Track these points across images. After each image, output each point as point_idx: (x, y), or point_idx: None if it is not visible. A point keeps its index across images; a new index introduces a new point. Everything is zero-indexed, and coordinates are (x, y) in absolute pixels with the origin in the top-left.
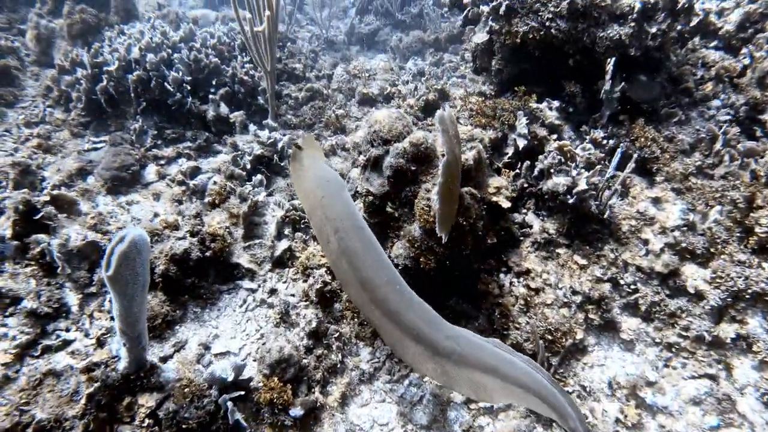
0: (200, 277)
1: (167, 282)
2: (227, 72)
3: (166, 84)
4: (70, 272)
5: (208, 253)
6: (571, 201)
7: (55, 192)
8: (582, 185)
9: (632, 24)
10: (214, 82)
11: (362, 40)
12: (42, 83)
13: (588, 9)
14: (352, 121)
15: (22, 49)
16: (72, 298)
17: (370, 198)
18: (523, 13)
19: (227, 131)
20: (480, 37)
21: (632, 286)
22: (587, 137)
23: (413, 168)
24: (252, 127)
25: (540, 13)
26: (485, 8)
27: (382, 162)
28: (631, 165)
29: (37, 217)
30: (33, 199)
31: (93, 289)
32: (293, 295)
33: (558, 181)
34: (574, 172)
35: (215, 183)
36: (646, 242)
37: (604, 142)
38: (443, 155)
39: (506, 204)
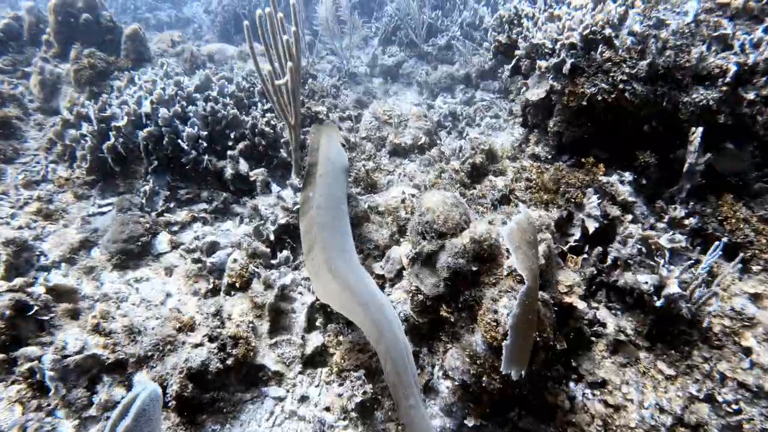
0: (220, 389)
1: (182, 402)
2: (246, 123)
3: (180, 141)
4: (65, 393)
5: (229, 361)
6: (658, 304)
7: (51, 283)
8: (673, 288)
9: (723, 88)
10: (232, 135)
11: (386, 72)
12: (45, 135)
13: (670, 70)
14: (384, 175)
15: (26, 93)
16: (66, 427)
17: (420, 297)
18: (591, 72)
19: (247, 191)
20: (535, 93)
21: (733, 406)
22: (666, 216)
23: (474, 269)
24: (275, 188)
25: (612, 74)
26: (543, 63)
27: (435, 258)
28: (717, 252)
29: (31, 313)
30: (23, 296)
31: (93, 412)
32: (328, 409)
33: (641, 279)
34: (663, 271)
35: (235, 261)
36: (747, 351)
37: (686, 221)
38: (512, 253)
39: (581, 306)
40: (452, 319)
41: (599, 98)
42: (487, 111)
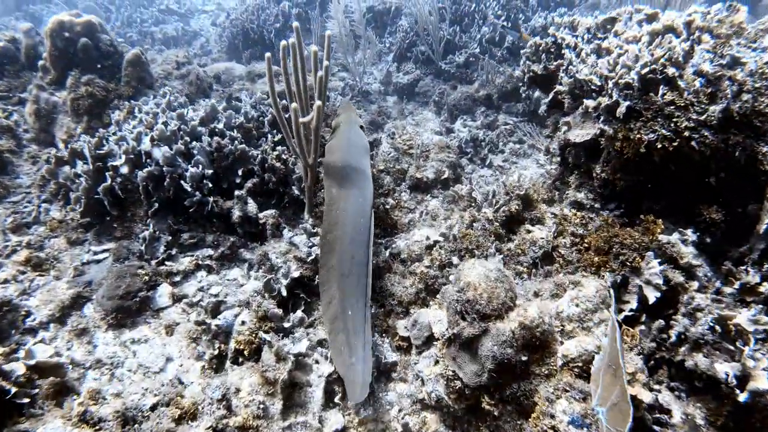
0: None
1: None
2: (255, 158)
3: (182, 182)
4: None
5: None
6: (742, 399)
7: (33, 360)
8: (762, 383)
9: None
10: (240, 172)
11: (401, 90)
12: (38, 171)
13: (747, 117)
14: (404, 213)
15: (21, 122)
16: None
17: (458, 384)
18: (649, 116)
19: (256, 234)
20: (579, 134)
21: None
22: (735, 281)
23: (524, 359)
24: (287, 233)
25: (675, 120)
26: (590, 103)
27: (477, 343)
28: None
29: (9, 396)
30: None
31: None
32: None
33: (720, 369)
34: (748, 362)
35: (243, 324)
36: None
37: (761, 288)
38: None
39: (647, 397)
40: (496, 413)
41: (659, 146)
42: (511, 135)
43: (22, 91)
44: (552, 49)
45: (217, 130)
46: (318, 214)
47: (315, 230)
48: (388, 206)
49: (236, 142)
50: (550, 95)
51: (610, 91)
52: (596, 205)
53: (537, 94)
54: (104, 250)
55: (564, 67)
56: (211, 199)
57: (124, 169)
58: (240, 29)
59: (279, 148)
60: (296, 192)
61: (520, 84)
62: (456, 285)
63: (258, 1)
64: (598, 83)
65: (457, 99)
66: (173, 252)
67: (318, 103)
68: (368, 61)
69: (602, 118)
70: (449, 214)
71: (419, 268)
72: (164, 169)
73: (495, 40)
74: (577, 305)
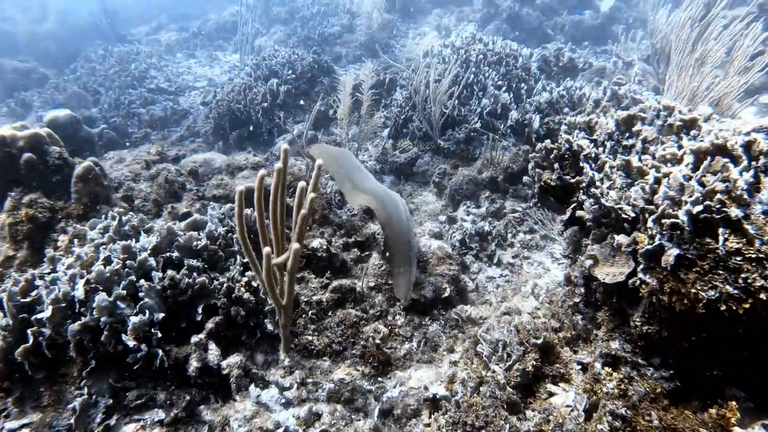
0: None
1: None
2: (220, 289)
3: (123, 336)
4: None
5: None
6: None
7: None
8: None
9: None
10: (200, 309)
11: (398, 170)
12: None
13: None
14: (399, 343)
15: None
16: None
17: None
18: (707, 268)
19: (219, 387)
20: (609, 274)
21: None
22: None
23: None
24: (254, 391)
25: (745, 276)
26: (623, 240)
27: None
28: None
29: None
30: None
31: None
32: None
33: None
34: None
35: None
36: None
37: None
38: None
39: None
40: None
41: (719, 305)
42: (520, 224)
43: None
44: (567, 156)
45: (174, 258)
46: (297, 349)
47: (289, 384)
48: (379, 338)
49: (195, 273)
50: (568, 213)
51: (650, 231)
52: (637, 360)
53: (561, 222)
54: (23, 427)
55: (584, 186)
56: (160, 352)
57: (48, 326)
58: (226, 110)
59: (249, 273)
60: (270, 327)
61: (529, 191)
62: None
63: (244, 80)
64: (632, 214)
65: (459, 183)
66: (112, 422)
67: (295, 246)
68: (365, 137)
69: (642, 265)
70: (452, 344)
71: None
72: (102, 320)
73: (497, 112)
74: None
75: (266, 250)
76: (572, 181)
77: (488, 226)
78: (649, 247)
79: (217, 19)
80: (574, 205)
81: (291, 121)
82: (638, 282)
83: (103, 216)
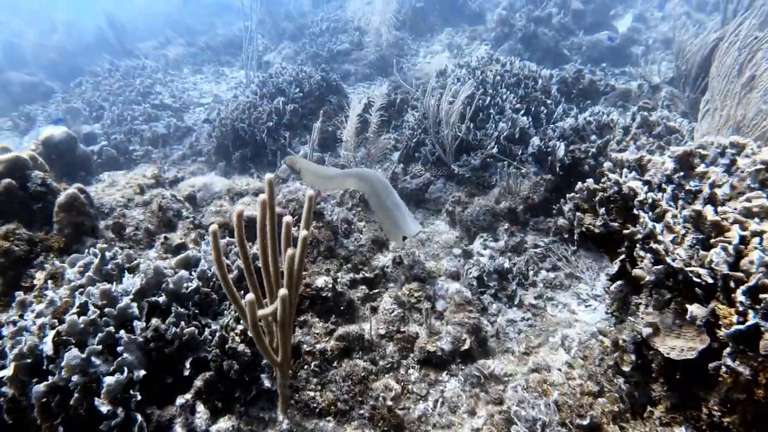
0: None
1: None
2: (211, 340)
3: (96, 400)
4: None
5: None
6: None
7: None
8: None
9: None
10: (188, 363)
11: (408, 196)
12: None
13: None
14: (413, 402)
15: None
16: None
17: None
18: None
19: None
20: (674, 348)
21: None
22: None
23: None
24: None
25: None
26: (699, 312)
27: None
28: None
29: None
30: None
31: None
32: None
33: None
34: None
35: None
36: None
37: None
38: None
39: None
40: None
41: None
42: (543, 261)
43: None
44: (613, 198)
45: (161, 303)
46: (298, 407)
47: None
48: (391, 397)
49: (183, 322)
50: (615, 266)
51: (739, 305)
52: None
53: (608, 277)
54: None
55: (640, 238)
56: (139, 417)
57: (10, 386)
58: (230, 128)
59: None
60: (267, 383)
61: (551, 223)
62: None
63: (249, 98)
64: (709, 280)
65: (475, 214)
66: None
67: (283, 292)
68: (373, 160)
69: (729, 348)
70: (473, 405)
71: None
72: (72, 379)
73: (515, 137)
74: None
75: (249, 297)
76: (627, 232)
77: (508, 263)
78: (741, 327)
79: (226, 33)
80: (623, 257)
81: (297, 142)
82: (724, 369)
83: (87, 251)
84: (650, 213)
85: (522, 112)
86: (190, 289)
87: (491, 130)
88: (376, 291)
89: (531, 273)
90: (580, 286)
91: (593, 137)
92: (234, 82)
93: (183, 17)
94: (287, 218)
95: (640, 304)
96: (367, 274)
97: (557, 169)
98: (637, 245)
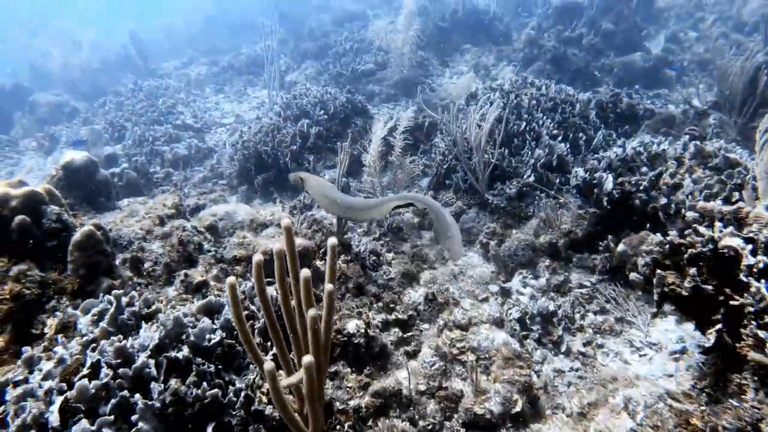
0: None
1: None
2: (236, 401)
3: None
4: None
5: None
6: None
7: None
8: None
9: None
10: (210, 430)
11: None
12: None
13: None
14: None
15: None
16: None
17: None
18: None
19: None
20: None
21: None
22: None
23: None
24: None
25: None
26: None
27: None
28: None
29: None
30: None
31: None
32: None
33: None
34: None
35: None
36: None
37: None
38: None
39: None
40: None
41: None
42: (589, 302)
43: None
44: (705, 256)
45: (181, 359)
46: None
47: None
48: None
49: (205, 383)
50: (711, 338)
51: None
52: None
53: (698, 348)
54: None
55: (752, 312)
56: None
57: None
58: (253, 152)
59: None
60: None
61: (598, 260)
62: None
63: (273, 120)
64: None
65: (514, 249)
66: None
67: (308, 359)
68: (399, 185)
69: None
70: None
71: None
72: None
73: (552, 164)
74: None
75: (267, 367)
76: (736, 304)
77: (553, 305)
78: None
79: (249, 53)
80: (720, 326)
81: (321, 166)
82: None
83: (102, 295)
84: (764, 281)
85: (560, 138)
86: (213, 342)
87: (527, 157)
88: (411, 334)
89: (578, 316)
90: (631, 331)
91: (644, 168)
92: (256, 101)
93: (207, 36)
94: (305, 272)
95: (746, 386)
96: (400, 315)
97: (604, 203)
98: (749, 319)
